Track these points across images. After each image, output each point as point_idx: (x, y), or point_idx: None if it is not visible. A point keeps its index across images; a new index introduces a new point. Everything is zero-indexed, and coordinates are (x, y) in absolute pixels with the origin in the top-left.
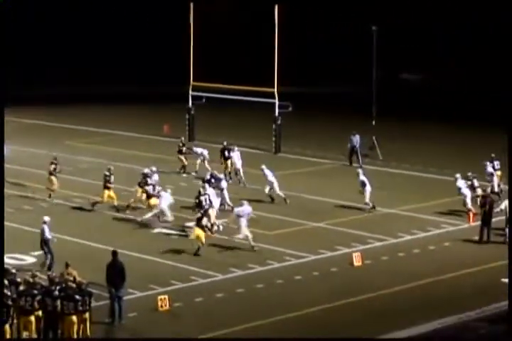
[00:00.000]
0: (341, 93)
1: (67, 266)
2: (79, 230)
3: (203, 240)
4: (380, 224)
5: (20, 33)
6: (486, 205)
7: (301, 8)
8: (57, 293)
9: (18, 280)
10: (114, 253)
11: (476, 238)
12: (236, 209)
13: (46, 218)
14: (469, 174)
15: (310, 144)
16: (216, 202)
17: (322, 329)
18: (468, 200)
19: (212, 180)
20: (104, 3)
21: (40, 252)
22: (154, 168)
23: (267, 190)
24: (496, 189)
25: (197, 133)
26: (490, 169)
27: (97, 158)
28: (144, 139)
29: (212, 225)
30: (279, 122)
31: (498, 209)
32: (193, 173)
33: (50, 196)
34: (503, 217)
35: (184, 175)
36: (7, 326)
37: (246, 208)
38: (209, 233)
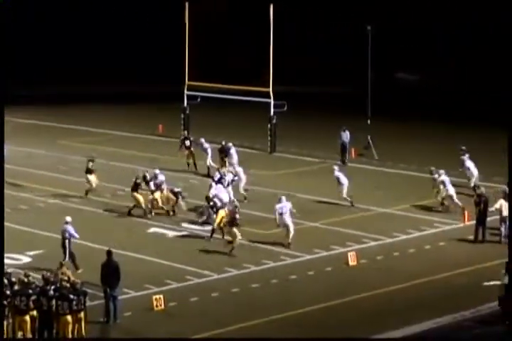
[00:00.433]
0: (336, 92)
1: (61, 265)
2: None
3: (238, 238)
4: (376, 224)
5: (16, 32)
6: (481, 204)
7: (296, 8)
8: (52, 292)
9: (13, 279)
10: (109, 253)
11: (471, 237)
12: (277, 206)
13: (68, 218)
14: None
15: (305, 144)
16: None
17: (317, 329)
18: (453, 193)
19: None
20: (100, 2)
21: (37, 252)
22: (157, 171)
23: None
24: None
25: (192, 133)
26: (468, 163)
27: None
28: (139, 139)
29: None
30: (274, 122)
31: (492, 209)
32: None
33: (86, 193)
34: (498, 216)
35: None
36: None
37: (285, 204)
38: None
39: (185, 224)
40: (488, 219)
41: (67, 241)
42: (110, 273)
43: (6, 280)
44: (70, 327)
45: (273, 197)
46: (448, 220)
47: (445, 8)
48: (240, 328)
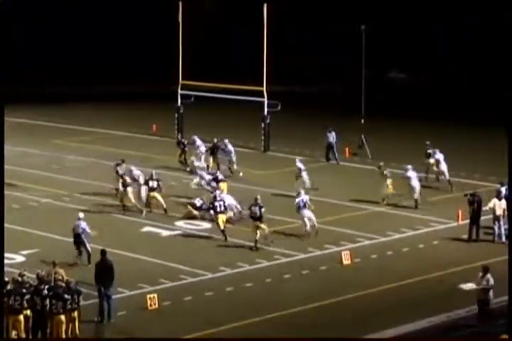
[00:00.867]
0: (331, 92)
1: (54, 265)
2: (68, 229)
3: (266, 231)
4: (369, 223)
5: (15, 32)
6: (475, 204)
7: (289, 8)
8: (46, 292)
9: (6, 279)
10: (103, 252)
11: (465, 236)
12: (297, 200)
13: (81, 214)
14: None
15: (298, 143)
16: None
17: (311, 328)
18: (417, 192)
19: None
20: (91, 2)
21: (31, 251)
22: (133, 167)
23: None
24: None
25: (186, 132)
26: (438, 156)
27: (86, 156)
28: (133, 138)
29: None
30: (267, 121)
31: (486, 208)
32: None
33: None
34: (491, 216)
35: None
36: None
37: (304, 197)
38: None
39: (178, 223)
40: (482, 218)
41: (82, 236)
42: (104, 272)
43: None
44: (64, 326)
45: (267, 196)
46: (442, 219)
47: (445, 8)
48: (234, 327)
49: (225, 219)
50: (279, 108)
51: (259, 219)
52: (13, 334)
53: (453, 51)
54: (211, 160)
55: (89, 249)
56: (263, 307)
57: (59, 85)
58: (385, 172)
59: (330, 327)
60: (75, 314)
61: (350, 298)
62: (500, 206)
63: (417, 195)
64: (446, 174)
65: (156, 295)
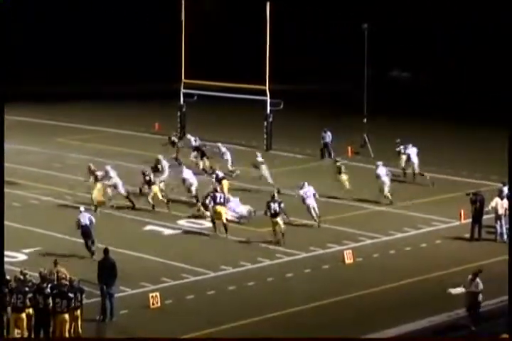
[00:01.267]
0: (332, 91)
1: (55, 263)
2: (69, 227)
3: (282, 228)
4: (372, 222)
5: (16, 31)
6: (477, 203)
7: (290, 6)
8: (49, 290)
9: (8, 277)
10: (106, 251)
11: (467, 235)
12: (301, 192)
13: (82, 207)
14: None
15: (301, 142)
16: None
17: (313, 328)
18: (387, 188)
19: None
20: (92, 2)
21: (32, 249)
22: (108, 167)
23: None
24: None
25: (188, 131)
26: (409, 151)
27: (88, 155)
28: (135, 137)
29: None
30: (270, 119)
31: (488, 208)
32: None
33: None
34: (493, 215)
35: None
36: None
37: (308, 188)
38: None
39: (181, 222)
40: (484, 217)
41: (90, 227)
42: (107, 270)
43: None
44: (67, 325)
45: (268, 194)
46: (444, 218)
47: (444, 7)
48: (236, 326)
49: (224, 211)
50: (281, 106)
51: (277, 215)
52: (16, 332)
53: (453, 51)
54: (203, 162)
55: (95, 240)
56: (265, 306)
57: (60, 84)
58: (342, 167)
59: (331, 327)
60: (78, 312)
61: (352, 297)
62: (502, 205)
63: (386, 192)
64: (416, 167)
65: (158, 294)
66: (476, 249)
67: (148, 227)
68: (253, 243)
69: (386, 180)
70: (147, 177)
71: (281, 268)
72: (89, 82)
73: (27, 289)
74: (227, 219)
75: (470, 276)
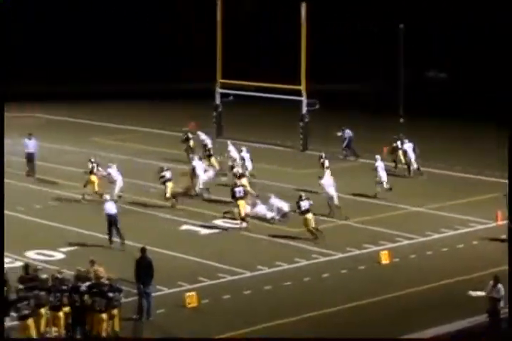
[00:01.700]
0: (368, 91)
1: (92, 263)
2: (105, 226)
3: (311, 224)
4: (408, 223)
5: (53, 28)
6: None
7: (328, 6)
8: (84, 288)
9: (45, 276)
10: (143, 250)
11: (504, 236)
12: (322, 181)
13: (107, 196)
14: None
15: (337, 142)
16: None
17: (349, 328)
18: (385, 179)
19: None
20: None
21: (70, 248)
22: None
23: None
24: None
25: (224, 131)
26: (406, 146)
27: (124, 154)
28: (170, 136)
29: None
30: (306, 120)
31: None
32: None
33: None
34: None
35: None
36: (31, 321)
37: (329, 178)
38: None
39: (217, 222)
40: None
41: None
42: (144, 270)
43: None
44: (105, 324)
45: (311, 195)
46: (481, 219)
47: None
48: (271, 326)
49: (244, 205)
50: (317, 106)
51: (308, 212)
52: (53, 330)
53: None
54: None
55: (120, 230)
56: (301, 307)
57: (97, 83)
58: (325, 163)
59: (368, 327)
60: (116, 311)
61: (389, 298)
62: None
63: (383, 185)
64: (414, 163)
65: (194, 293)
66: None
67: (185, 227)
68: (290, 243)
69: (383, 174)
70: (162, 174)
71: (318, 268)
72: (124, 81)
73: (64, 288)
74: (245, 214)
75: (491, 282)
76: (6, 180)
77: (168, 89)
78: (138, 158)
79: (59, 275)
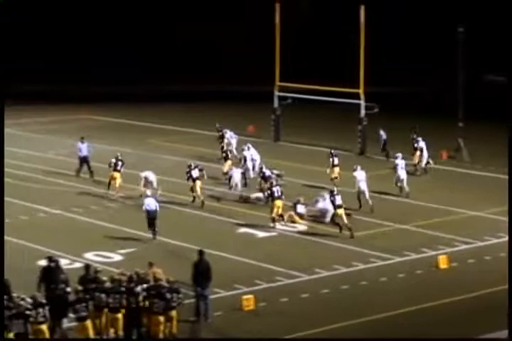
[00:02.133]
0: (427, 94)
1: (151, 265)
2: (166, 228)
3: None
4: (467, 227)
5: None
6: None
7: (385, 9)
8: (139, 289)
9: (104, 278)
10: (201, 253)
11: None
12: (355, 174)
13: (148, 192)
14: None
15: (396, 146)
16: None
17: (406, 332)
18: (405, 181)
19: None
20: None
21: (128, 250)
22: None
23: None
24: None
25: (282, 134)
26: (421, 144)
27: (179, 156)
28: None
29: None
30: (364, 123)
31: None
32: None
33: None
34: None
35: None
36: (89, 322)
37: (361, 172)
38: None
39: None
40: None
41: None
42: (202, 272)
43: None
44: (162, 326)
45: (370, 199)
46: None
47: None
48: (328, 330)
49: (281, 205)
50: (376, 110)
51: (340, 207)
52: (111, 332)
53: None
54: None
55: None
56: (359, 310)
57: (154, 84)
58: (334, 161)
59: (425, 331)
60: (174, 313)
61: (447, 303)
62: None
63: (403, 184)
64: (429, 160)
65: (251, 296)
66: None
67: (243, 229)
68: (346, 247)
69: (402, 172)
70: (190, 172)
71: (375, 272)
72: (182, 83)
73: (123, 289)
74: (282, 215)
75: None
76: (61, 181)
77: (227, 91)
78: (192, 160)
79: (117, 277)
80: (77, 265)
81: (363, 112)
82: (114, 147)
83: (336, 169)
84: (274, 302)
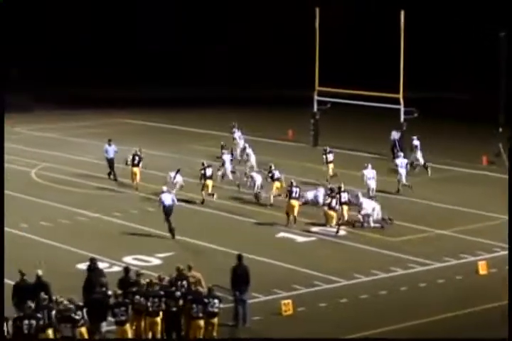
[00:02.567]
0: (467, 99)
1: (189, 268)
2: (202, 232)
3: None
4: (505, 233)
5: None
6: None
7: (425, 13)
8: (179, 293)
9: (143, 282)
10: (240, 257)
11: None
12: (364, 172)
13: (164, 188)
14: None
15: (436, 151)
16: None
17: (445, 338)
18: (403, 178)
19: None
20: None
21: (167, 254)
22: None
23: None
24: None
25: (321, 139)
26: (415, 142)
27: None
28: (267, 143)
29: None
30: (404, 128)
31: None
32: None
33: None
34: None
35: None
36: (128, 326)
37: (371, 170)
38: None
39: (314, 229)
40: None
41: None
42: (240, 277)
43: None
44: (202, 331)
45: (409, 204)
46: None
47: None
48: (369, 335)
49: (297, 205)
50: (415, 115)
51: (346, 204)
52: (149, 335)
53: None
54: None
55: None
56: (397, 316)
57: (191, 88)
58: (328, 158)
59: (461, 338)
60: (215, 320)
61: (487, 308)
62: None
63: (404, 181)
64: (421, 159)
65: (290, 301)
66: None
67: (282, 234)
68: (385, 252)
69: (402, 171)
70: (203, 171)
71: (414, 277)
72: (221, 87)
73: (162, 293)
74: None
75: None
76: (99, 185)
77: (266, 96)
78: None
79: (157, 281)
80: (116, 269)
81: (402, 117)
82: (153, 151)
83: (330, 165)
84: (312, 307)
